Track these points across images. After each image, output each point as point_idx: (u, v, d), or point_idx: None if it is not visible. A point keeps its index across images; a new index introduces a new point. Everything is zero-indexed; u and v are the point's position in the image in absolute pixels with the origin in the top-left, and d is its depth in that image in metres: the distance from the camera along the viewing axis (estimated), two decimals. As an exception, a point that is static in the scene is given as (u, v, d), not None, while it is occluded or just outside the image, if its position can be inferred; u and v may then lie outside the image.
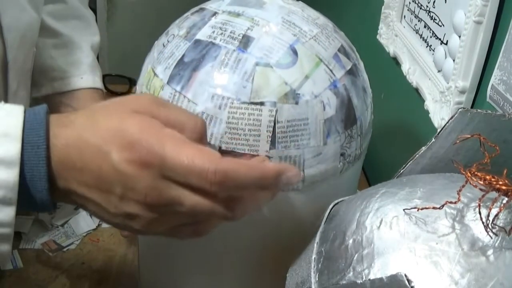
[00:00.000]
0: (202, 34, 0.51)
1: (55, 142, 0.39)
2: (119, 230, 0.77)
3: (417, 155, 0.45)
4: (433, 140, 0.44)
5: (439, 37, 0.69)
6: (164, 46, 0.53)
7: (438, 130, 0.44)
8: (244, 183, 0.39)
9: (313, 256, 0.40)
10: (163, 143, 0.39)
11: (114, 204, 0.40)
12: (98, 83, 0.80)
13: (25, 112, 0.40)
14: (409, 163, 0.45)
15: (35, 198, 0.40)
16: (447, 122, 0.43)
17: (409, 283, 0.31)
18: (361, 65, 0.56)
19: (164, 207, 0.39)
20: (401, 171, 0.46)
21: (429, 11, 0.72)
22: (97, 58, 0.86)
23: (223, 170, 0.38)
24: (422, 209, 0.37)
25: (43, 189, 0.39)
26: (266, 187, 0.41)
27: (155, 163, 0.38)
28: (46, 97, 0.78)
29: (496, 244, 0.34)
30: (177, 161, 0.38)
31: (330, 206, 0.45)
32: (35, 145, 0.39)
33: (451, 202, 0.36)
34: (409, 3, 0.79)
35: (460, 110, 0.43)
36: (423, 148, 0.44)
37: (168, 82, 0.50)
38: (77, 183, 0.40)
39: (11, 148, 0.38)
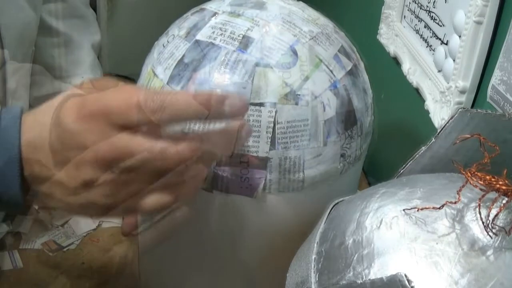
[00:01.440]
0: (202, 35, 0.51)
1: (22, 130, 0.41)
2: (119, 229, 0.77)
3: (417, 155, 0.45)
4: (433, 140, 0.44)
5: (440, 37, 0.69)
6: (164, 46, 0.53)
7: (438, 130, 0.44)
8: (183, 105, 0.40)
9: (313, 256, 0.40)
10: (105, 93, 0.40)
11: (72, 175, 0.40)
12: None
13: (0, 111, 0.41)
14: (409, 163, 0.45)
15: (9, 196, 0.41)
16: (447, 122, 0.43)
17: (409, 283, 0.31)
18: (361, 66, 0.56)
19: (117, 161, 0.39)
20: (401, 171, 0.46)
21: (430, 11, 0.72)
22: (98, 57, 0.86)
23: (161, 96, 0.39)
24: (422, 209, 0.37)
25: (16, 185, 0.40)
26: (208, 113, 0.41)
27: (100, 110, 0.39)
28: (47, 96, 0.78)
29: (496, 244, 0.34)
30: (118, 100, 0.40)
31: (330, 206, 0.45)
32: (9, 142, 0.40)
33: (451, 202, 0.36)
34: (410, 3, 0.79)
35: (460, 110, 0.43)
36: (423, 148, 0.44)
37: (168, 83, 0.50)
38: (39, 166, 0.41)
39: None
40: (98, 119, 0.39)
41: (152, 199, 0.42)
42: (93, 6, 0.98)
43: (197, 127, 0.47)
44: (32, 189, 0.41)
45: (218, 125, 0.46)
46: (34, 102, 0.78)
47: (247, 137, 0.45)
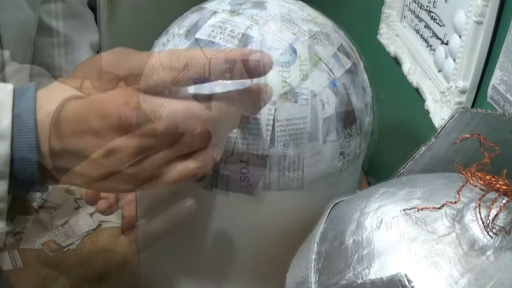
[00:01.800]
0: (202, 33, 0.51)
1: (37, 105, 0.40)
2: (119, 229, 0.77)
3: (417, 155, 0.45)
4: (433, 140, 0.44)
5: (440, 37, 0.69)
6: (164, 45, 0.53)
7: (438, 130, 0.44)
8: (207, 63, 0.39)
9: (313, 256, 0.40)
10: (128, 59, 0.39)
11: (94, 145, 0.39)
12: None
13: (14, 88, 0.40)
14: (409, 163, 0.45)
15: (25, 172, 0.39)
16: (447, 122, 0.43)
17: (409, 283, 0.31)
18: (360, 65, 0.56)
19: (142, 125, 0.38)
20: (401, 171, 0.46)
21: (430, 11, 0.72)
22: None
23: (184, 54, 0.38)
24: (422, 209, 0.37)
25: (33, 161, 0.39)
26: (234, 69, 0.40)
27: (121, 75, 0.39)
28: None
29: (496, 244, 0.34)
30: (140, 64, 0.39)
31: (330, 206, 0.45)
32: (24, 117, 0.39)
33: (451, 202, 0.36)
34: (410, 3, 0.79)
35: (460, 110, 0.43)
36: (423, 148, 0.44)
37: (167, 82, 0.50)
38: (57, 138, 0.39)
39: (2, 121, 0.38)
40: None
41: (178, 168, 0.41)
42: (93, 6, 0.98)
43: (220, 88, 0.45)
44: (49, 166, 0.40)
45: (240, 86, 0.44)
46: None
47: (269, 98, 0.44)
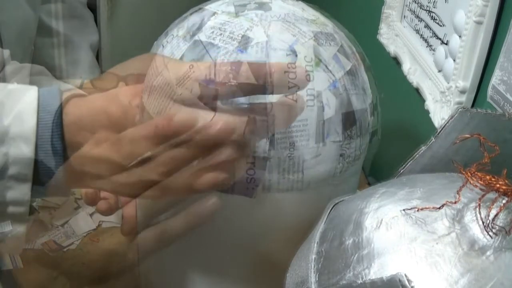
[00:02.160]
0: (202, 35, 0.51)
1: (65, 109, 0.39)
2: (120, 229, 0.76)
3: (417, 155, 0.45)
4: (433, 139, 0.44)
5: (440, 37, 0.69)
6: (163, 46, 0.53)
7: (438, 130, 0.44)
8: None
9: (313, 256, 0.40)
10: (163, 67, 0.39)
11: (125, 152, 0.38)
12: None
13: (39, 90, 0.40)
14: (409, 163, 0.45)
15: (50, 174, 0.39)
16: (447, 122, 0.43)
17: (409, 283, 0.31)
18: (361, 66, 0.55)
19: (176, 135, 0.38)
20: (401, 171, 0.45)
21: (430, 11, 0.72)
22: (98, 57, 0.87)
23: (226, 67, 0.38)
24: (421, 209, 0.37)
25: (59, 163, 0.39)
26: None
27: (159, 84, 0.38)
28: None
29: (496, 244, 0.34)
30: (178, 74, 0.38)
31: (330, 206, 0.45)
32: (49, 120, 0.39)
33: (450, 202, 0.36)
34: (410, 3, 0.79)
35: (460, 109, 0.43)
36: (423, 147, 0.44)
37: (167, 82, 0.50)
38: (84, 143, 0.39)
39: (26, 124, 0.38)
40: (157, 92, 0.38)
41: (208, 177, 0.40)
42: (93, 6, 0.98)
43: (252, 99, 0.44)
44: (72, 168, 0.40)
45: (275, 98, 0.44)
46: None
47: (301, 111, 0.43)
